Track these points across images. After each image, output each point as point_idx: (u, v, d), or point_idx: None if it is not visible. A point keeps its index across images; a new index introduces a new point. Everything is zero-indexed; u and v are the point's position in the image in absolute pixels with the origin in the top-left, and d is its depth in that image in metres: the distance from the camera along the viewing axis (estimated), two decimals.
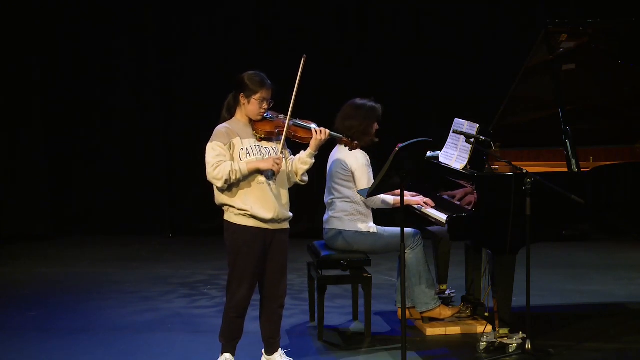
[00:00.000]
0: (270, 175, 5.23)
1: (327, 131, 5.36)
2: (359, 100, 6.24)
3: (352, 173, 6.13)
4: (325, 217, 6.30)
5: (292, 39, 9.61)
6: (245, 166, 5.17)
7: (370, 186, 5.70)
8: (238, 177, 5.16)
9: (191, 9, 9.73)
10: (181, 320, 6.71)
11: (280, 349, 5.53)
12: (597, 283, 7.76)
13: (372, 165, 6.18)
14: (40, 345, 6.10)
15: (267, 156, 5.26)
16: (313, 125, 5.36)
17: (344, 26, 9.68)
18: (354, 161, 6.12)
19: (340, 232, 6.18)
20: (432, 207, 6.13)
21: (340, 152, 6.17)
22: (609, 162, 6.22)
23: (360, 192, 6.05)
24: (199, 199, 9.86)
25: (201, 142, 9.79)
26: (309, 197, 8.62)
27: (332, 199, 6.24)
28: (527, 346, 5.59)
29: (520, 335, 5.70)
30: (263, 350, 5.55)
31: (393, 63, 9.65)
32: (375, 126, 6.20)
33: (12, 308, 7.04)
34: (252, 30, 9.70)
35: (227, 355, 5.40)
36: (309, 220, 9.33)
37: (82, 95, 9.85)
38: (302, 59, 5.24)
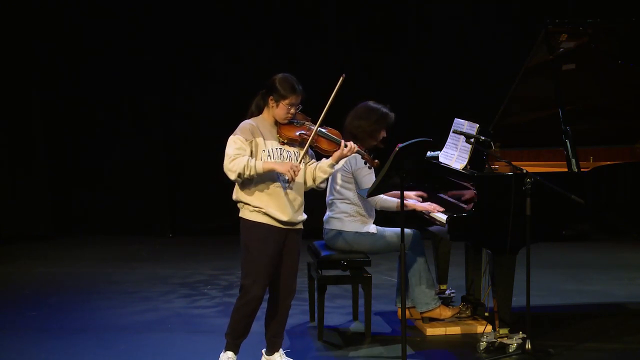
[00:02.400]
0: (285, 180, 5.23)
1: (355, 148, 5.36)
2: (373, 104, 6.22)
3: (353, 174, 6.13)
4: (326, 217, 6.30)
5: (293, 41, 9.62)
6: (262, 165, 5.16)
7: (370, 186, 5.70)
8: (252, 173, 5.14)
9: (192, 10, 9.73)
10: (181, 320, 6.70)
11: (280, 349, 5.53)
12: (597, 283, 7.77)
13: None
14: (40, 345, 6.10)
15: (287, 160, 5.27)
16: (338, 137, 5.34)
17: (343, 27, 9.68)
18: (354, 162, 6.11)
19: (340, 233, 6.18)
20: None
21: None
22: (609, 162, 6.22)
23: (360, 192, 6.05)
24: (199, 199, 9.87)
25: (201, 142, 9.88)
26: (308, 197, 8.60)
27: (332, 199, 6.24)
28: (527, 346, 5.59)
29: (520, 335, 5.70)
30: (263, 350, 5.55)
31: (393, 63, 9.65)
32: (383, 133, 6.19)
33: (12, 308, 7.04)
34: (253, 30, 9.70)
35: (230, 354, 5.39)
36: (308, 221, 9.29)
37: (82, 95, 9.85)
38: (341, 78, 5.23)
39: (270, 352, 5.52)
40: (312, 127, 5.28)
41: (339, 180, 6.18)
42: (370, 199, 6.09)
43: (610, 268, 8.35)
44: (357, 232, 6.16)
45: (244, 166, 5.12)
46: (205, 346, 5.94)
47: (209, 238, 9.66)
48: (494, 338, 5.79)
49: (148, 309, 6.99)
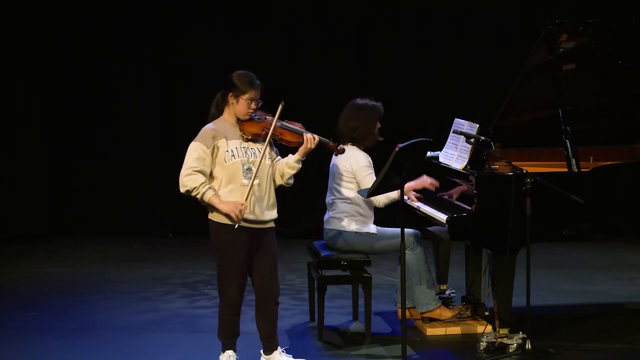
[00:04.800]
0: (231, 220, 5.26)
1: (317, 139, 5.37)
2: (359, 101, 6.24)
3: (354, 174, 6.12)
4: (326, 217, 6.30)
5: (290, 38, 9.62)
6: (210, 197, 5.25)
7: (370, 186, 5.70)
8: (199, 198, 5.27)
9: (192, 10, 9.73)
10: (181, 320, 6.71)
11: (279, 347, 5.53)
12: (597, 283, 7.77)
13: (373, 166, 6.17)
14: (40, 345, 6.10)
15: (252, 157, 5.28)
16: (300, 129, 5.36)
17: (344, 26, 9.67)
18: (354, 162, 6.11)
19: (340, 233, 6.18)
20: (432, 207, 6.12)
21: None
22: (609, 162, 6.22)
23: (360, 192, 6.05)
24: (198, 199, 9.86)
25: None
26: (308, 197, 8.62)
27: (332, 199, 6.24)
28: (527, 346, 5.59)
29: (520, 335, 5.70)
30: (261, 351, 5.55)
31: (394, 63, 9.65)
32: (378, 125, 6.21)
33: (12, 308, 7.04)
34: (251, 30, 9.70)
35: (230, 352, 5.40)
36: (308, 221, 9.31)
37: (82, 95, 9.85)
38: (280, 105, 5.25)
39: (268, 352, 5.51)
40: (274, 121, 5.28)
41: (339, 181, 6.18)
42: (372, 198, 6.09)
43: (610, 268, 8.35)
44: (357, 232, 6.16)
45: (195, 188, 5.23)
46: (205, 346, 5.94)
47: (209, 238, 9.64)
48: (494, 338, 5.79)
49: (148, 309, 6.99)
